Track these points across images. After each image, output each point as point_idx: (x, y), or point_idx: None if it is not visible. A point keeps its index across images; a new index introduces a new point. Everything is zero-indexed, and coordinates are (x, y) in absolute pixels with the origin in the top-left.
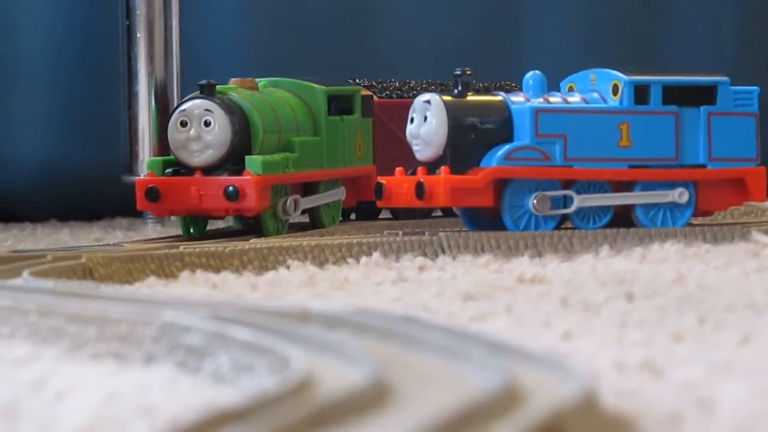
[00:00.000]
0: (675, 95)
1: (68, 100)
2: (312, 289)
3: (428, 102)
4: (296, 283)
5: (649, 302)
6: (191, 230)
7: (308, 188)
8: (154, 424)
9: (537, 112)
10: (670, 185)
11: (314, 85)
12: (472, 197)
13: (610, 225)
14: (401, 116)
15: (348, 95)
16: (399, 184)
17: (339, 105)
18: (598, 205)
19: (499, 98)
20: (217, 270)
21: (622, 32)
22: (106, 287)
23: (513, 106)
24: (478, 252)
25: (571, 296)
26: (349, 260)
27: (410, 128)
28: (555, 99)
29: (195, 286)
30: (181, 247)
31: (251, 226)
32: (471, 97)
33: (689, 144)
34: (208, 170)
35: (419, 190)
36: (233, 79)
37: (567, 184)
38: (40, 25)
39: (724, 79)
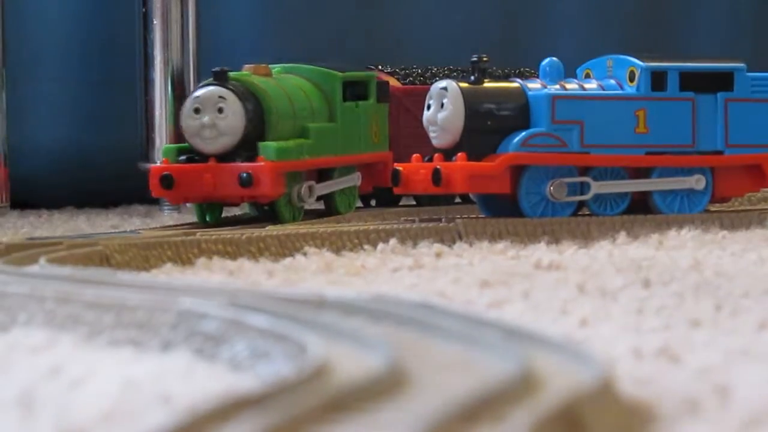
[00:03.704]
0: (692, 82)
1: (84, 88)
2: (329, 275)
3: (445, 89)
4: (313, 270)
5: (666, 289)
6: (207, 218)
7: (323, 175)
8: (171, 410)
9: (554, 98)
10: (687, 172)
11: (329, 70)
12: (489, 184)
13: (627, 211)
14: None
15: (363, 81)
16: (416, 171)
17: (354, 91)
18: (615, 191)
19: (515, 85)
20: (233, 257)
21: (640, 18)
22: (123, 274)
23: (530, 93)
24: (495, 239)
25: (588, 283)
26: (366, 247)
27: (427, 115)
28: (572, 86)
29: (212, 272)
30: (198, 234)
31: (267, 213)
32: (488, 84)
33: (706, 130)
34: (222, 157)
35: (436, 176)
36: (247, 66)
37: (584, 171)
38: (56, 14)
39: (741, 65)
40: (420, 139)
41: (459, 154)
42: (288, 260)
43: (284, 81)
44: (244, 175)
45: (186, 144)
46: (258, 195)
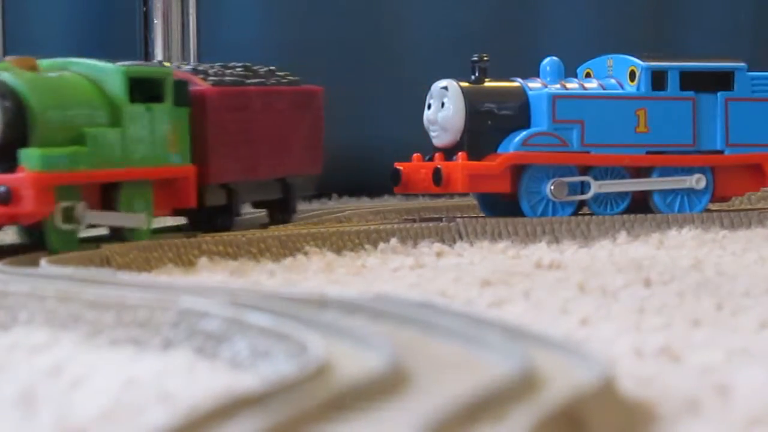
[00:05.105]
0: (692, 81)
1: None
2: (329, 275)
3: (445, 88)
4: (314, 270)
5: (666, 288)
6: None
7: (107, 191)
8: (172, 409)
9: (554, 98)
10: (688, 171)
11: (110, 65)
12: (489, 183)
13: (627, 211)
14: (237, 107)
15: (156, 80)
16: (416, 171)
17: (145, 91)
18: (615, 191)
19: (516, 84)
20: (234, 257)
21: (640, 18)
22: (124, 274)
23: (530, 92)
24: (495, 238)
25: (589, 282)
26: (367, 246)
27: (427, 114)
28: (572, 85)
29: (213, 273)
30: (199, 235)
31: (38, 239)
32: (488, 83)
33: (706, 130)
34: None
35: (437, 176)
36: (8, 57)
37: (584, 170)
38: (56, 13)
39: (742, 64)
40: (236, 147)
41: (459, 153)
42: (289, 260)
43: (55, 77)
44: (1, 189)
45: None
46: (19, 214)
